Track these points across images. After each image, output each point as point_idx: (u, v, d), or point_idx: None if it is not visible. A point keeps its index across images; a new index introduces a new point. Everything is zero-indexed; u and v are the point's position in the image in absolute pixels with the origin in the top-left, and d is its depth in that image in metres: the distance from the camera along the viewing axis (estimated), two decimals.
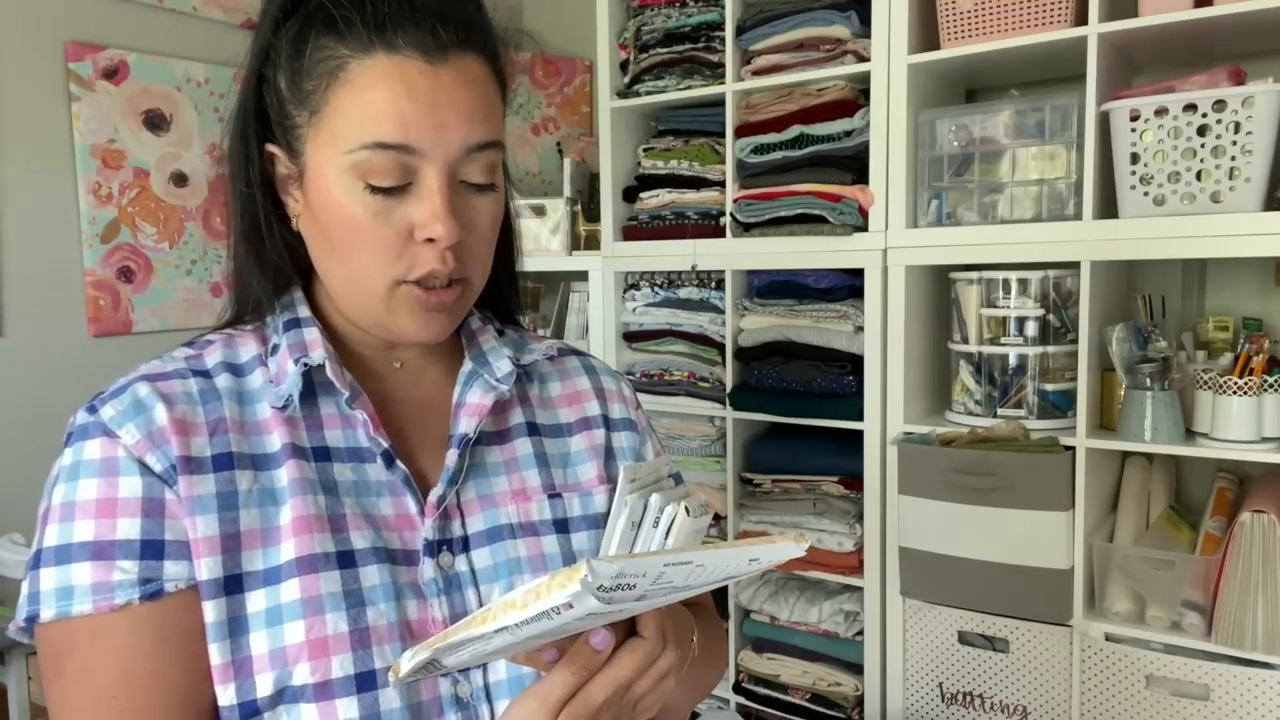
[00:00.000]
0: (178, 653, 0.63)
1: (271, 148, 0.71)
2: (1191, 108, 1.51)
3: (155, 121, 2.37)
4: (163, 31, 2.38)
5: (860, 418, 1.87)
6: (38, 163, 2.18)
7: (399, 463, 0.70)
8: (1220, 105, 1.49)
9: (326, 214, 0.68)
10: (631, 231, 2.20)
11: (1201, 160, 1.52)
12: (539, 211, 2.38)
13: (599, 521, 0.78)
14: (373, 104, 0.64)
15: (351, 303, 0.71)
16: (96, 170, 2.27)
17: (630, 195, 2.21)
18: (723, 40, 2.01)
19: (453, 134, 0.66)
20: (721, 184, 2.05)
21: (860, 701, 1.95)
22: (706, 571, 0.52)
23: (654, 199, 2.15)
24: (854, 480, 1.92)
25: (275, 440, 0.69)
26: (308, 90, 0.67)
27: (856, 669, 1.95)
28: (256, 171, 0.72)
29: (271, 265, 0.74)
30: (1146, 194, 1.57)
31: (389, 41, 0.64)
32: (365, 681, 0.64)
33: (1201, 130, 1.51)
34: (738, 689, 2.11)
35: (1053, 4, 1.63)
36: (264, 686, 0.63)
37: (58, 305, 2.23)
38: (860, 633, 1.93)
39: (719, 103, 2.03)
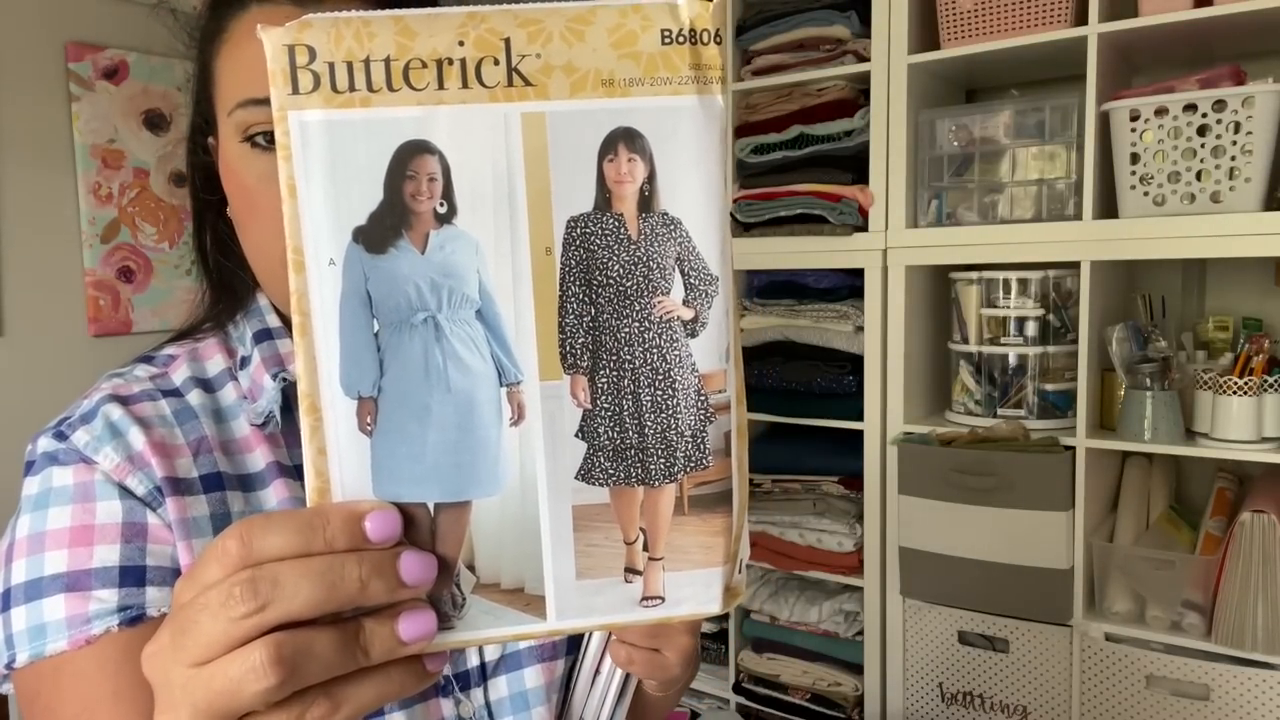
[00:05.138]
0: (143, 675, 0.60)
1: (211, 140, 0.68)
2: (1191, 108, 1.51)
3: (155, 121, 2.37)
4: (163, 31, 2.38)
5: (860, 418, 1.87)
6: (38, 163, 2.18)
7: None
8: (1220, 105, 1.49)
9: (228, 186, 0.64)
10: None
11: (1201, 160, 1.52)
12: None
13: None
14: (244, 58, 0.61)
15: (264, 280, 0.66)
16: (96, 170, 2.27)
17: None
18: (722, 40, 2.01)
19: None
20: None
21: (860, 701, 1.94)
22: None
23: None
24: (854, 480, 1.92)
25: (259, 459, 0.65)
26: (205, 63, 0.65)
27: (856, 669, 1.95)
28: (200, 165, 0.70)
29: (213, 259, 0.72)
30: (1146, 194, 1.57)
31: None
32: None
33: (1201, 130, 1.51)
34: (738, 689, 2.11)
35: (1053, 4, 1.63)
36: None
37: (58, 305, 2.23)
38: (860, 633, 1.93)
39: None
